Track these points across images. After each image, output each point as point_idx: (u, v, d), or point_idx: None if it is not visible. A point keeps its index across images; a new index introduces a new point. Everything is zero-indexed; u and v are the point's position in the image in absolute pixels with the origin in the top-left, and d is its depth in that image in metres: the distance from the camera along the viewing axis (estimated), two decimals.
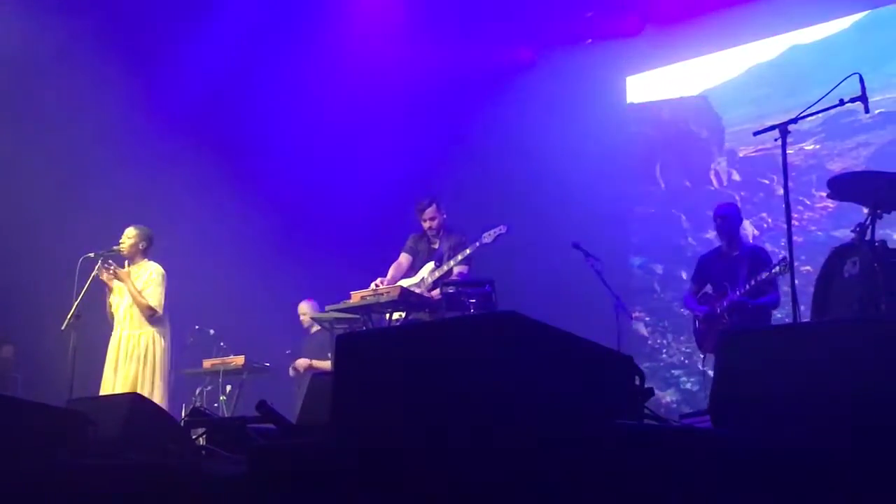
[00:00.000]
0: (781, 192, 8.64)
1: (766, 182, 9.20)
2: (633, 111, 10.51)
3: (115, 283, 7.41)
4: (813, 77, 8.69)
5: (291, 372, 9.10)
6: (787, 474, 2.14)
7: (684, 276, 9.85)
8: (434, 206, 7.22)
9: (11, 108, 8.71)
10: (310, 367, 8.83)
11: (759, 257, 6.75)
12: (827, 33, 9.04)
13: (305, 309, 9.41)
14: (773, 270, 6.34)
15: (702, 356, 7.36)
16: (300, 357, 9.16)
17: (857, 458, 2.18)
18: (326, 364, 8.78)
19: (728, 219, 6.91)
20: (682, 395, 9.38)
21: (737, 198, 8.98)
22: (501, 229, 6.71)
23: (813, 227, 8.72)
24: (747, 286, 6.52)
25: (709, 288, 7.01)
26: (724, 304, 6.69)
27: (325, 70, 10.27)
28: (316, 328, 9.26)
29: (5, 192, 8.67)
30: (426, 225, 7.22)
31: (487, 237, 6.75)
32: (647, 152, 10.41)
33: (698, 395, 8.73)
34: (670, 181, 10.27)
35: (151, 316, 7.37)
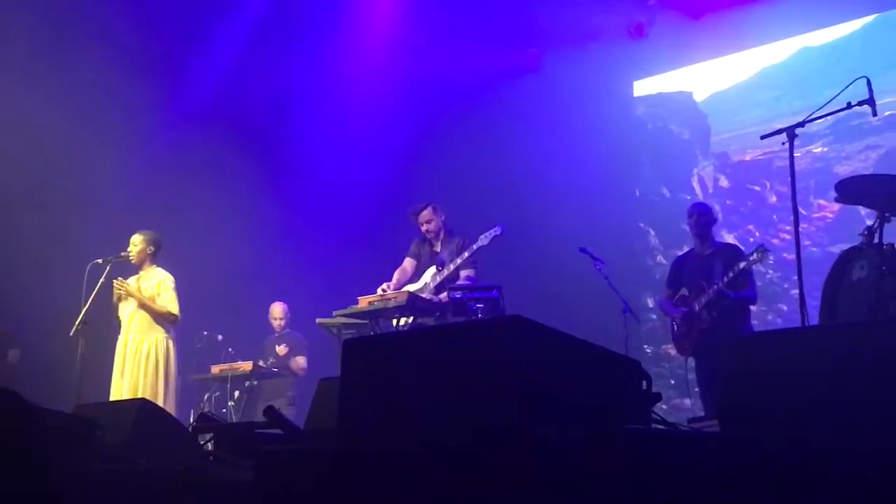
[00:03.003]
0: (773, 199, 8.52)
1: (757, 189, 8.99)
2: (622, 112, 10.28)
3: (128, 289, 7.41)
4: (822, 80, 8.65)
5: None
6: (797, 479, 2.13)
7: (651, 303, 9.41)
8: (430, 208, 7.21)
9: (17, 112, 8.69)
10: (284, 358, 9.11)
11: (732, 252, 6.85)
12: (836, 36, 9.02)
13: (279, 310, 9.55)
14: (751, 258, 6.40)
15: (685, 360, 7.11)
16: (265, 354, 9.30)
17: (867, 462, 2.16)
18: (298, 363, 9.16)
19: (702, 216, 6.96)
20: None
21: (717, 207, 8.53)
22: (496, 230, 6.72)
23: (807, 242, 8.17)
24: (725, 279, 6.53)
25: (684, 291, 7.01)
26: (703, 300, 6.69)
27: (334, 75, 10.30)
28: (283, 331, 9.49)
29: (14, 197, 8.66)
30: (424, 228, 7.22)
31: (483, 239, 6.75)
32: (624, 155, 10.07)
33: None
34: (645, 189, 9.83)
35: (173, 322, 7.44)
